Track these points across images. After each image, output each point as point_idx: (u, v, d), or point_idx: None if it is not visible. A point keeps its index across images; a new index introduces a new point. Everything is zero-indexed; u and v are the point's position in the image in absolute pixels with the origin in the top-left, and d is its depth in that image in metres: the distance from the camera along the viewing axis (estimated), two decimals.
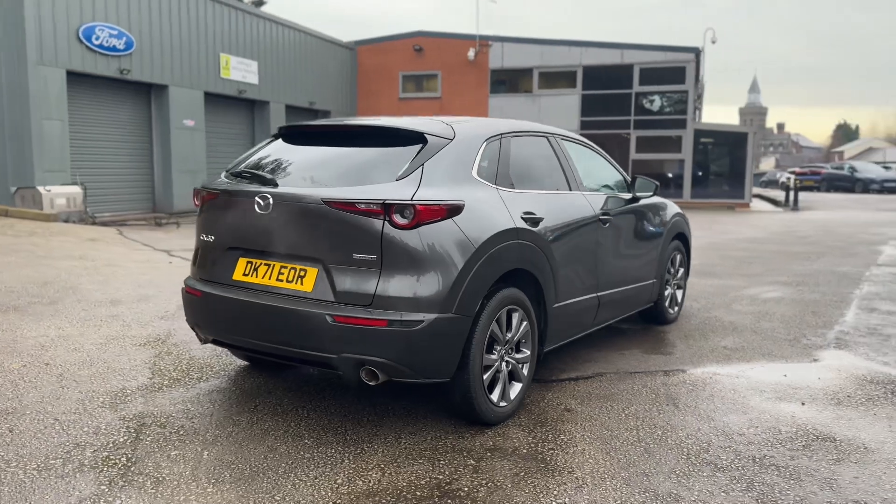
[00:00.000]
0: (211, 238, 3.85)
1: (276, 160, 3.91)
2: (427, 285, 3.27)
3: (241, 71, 20.32)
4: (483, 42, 25.39)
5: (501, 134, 4.05)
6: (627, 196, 5.14)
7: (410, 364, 3.29)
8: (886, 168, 35.57)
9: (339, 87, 25.52)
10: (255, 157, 4.03)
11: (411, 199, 3.28)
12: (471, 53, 25.35)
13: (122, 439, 3.45)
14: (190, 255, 9.47)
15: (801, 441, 3.48)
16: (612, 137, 23.94)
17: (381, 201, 3.27)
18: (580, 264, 4.37)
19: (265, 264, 3.60)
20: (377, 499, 2.90)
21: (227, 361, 4.72)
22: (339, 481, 3.06)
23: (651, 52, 23.54)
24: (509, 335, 3.74)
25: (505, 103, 25.13)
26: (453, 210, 3.37)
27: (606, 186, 5.12)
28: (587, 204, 4.54)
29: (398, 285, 3.26)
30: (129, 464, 3.19)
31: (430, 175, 3.46)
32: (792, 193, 22.60)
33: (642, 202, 5.31)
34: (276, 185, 3.61)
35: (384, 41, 26.60)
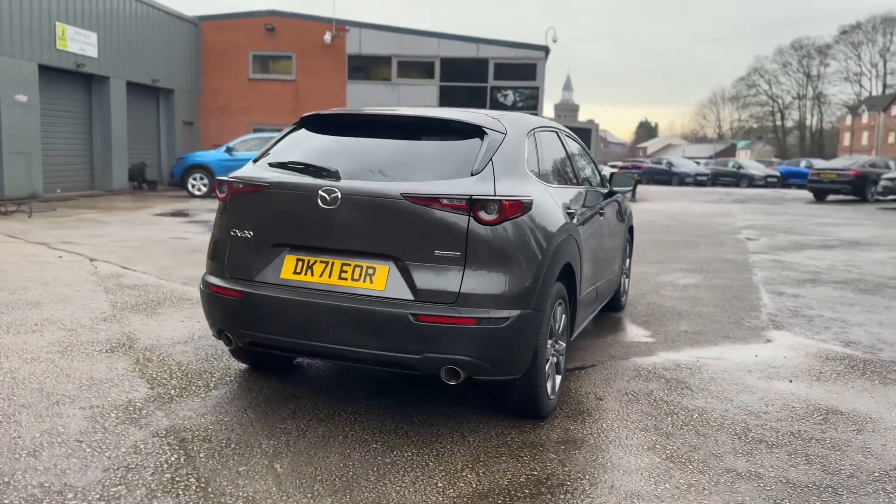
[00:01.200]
0: (248, 234, 3.55)
1: (319, 151, 3.68)
2: (511, 282, 3.25)
3: (78, 42, 18.44)
4: (340, 26, 24.96)
5: (534, 128, 4.09)
6: (605, 190, 5.38)
7: (495, 361, 3.26)
8: (697, 163, 39.60)
9: (184, 65, 23.92)
10: (289, 147, 3.76)
11: (495, 195, 3.24)
12: (327, 37, 24.82)
13: (173, 458, 3.11)
14: (77, 248, 8.61)
15: (817, 416, 3.88)
16: None
17: (468, 196, 3.21)
18: (592, 256, 4.53)
19: (322, 262, 3.39)
20: (490, 499, 2.87)
21: (223, 366, 4.37)
22: (439, 485, 2.98)
23: (504, 48, 24.40)
24: (558, 328, 3.81)
25: (364, 90, 24.91)
26: (528, 206, 3.38)
27: (587, 181, 5.32)
28: (590, 197, 4.71)
29: (483, 282, 3.21)
30: (204, 484, 2.90)
31: (500, 170, 3.43)
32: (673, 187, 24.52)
33: (616, 195, 5.59)
34: (338, 178, 3.40)
35: (232, 18, 25.30)
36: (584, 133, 24.64)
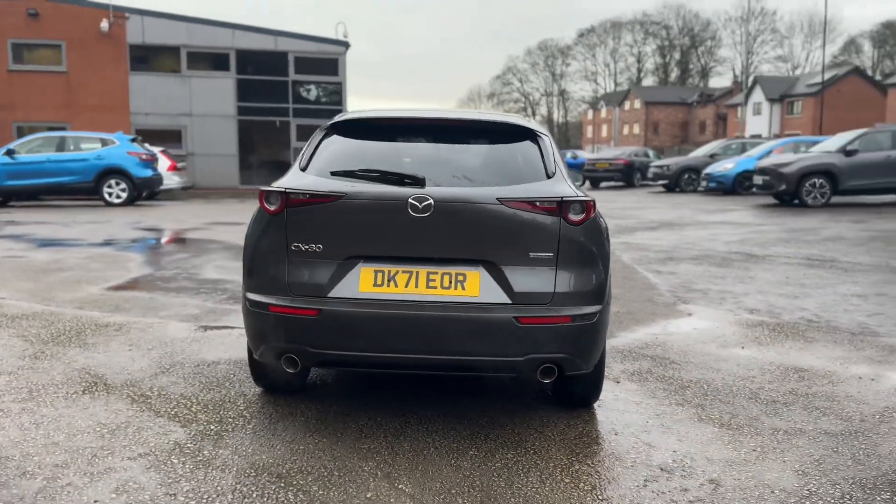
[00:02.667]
0: (316, 247, 3.32)
1: (377, 157, 3.53)
2: (594, 278, 3.42)
3: None
4: (118, 13, 22.78)
5: None
6: None
7: (584, 356, 3.42)
8: None
9: None
10: (337, 154, 3.56)
11: (577, 196, 3.38)
12: (104, 25, 22.53)
13: (291, 495, 2.87)
14: None
15: (793, 375, 4.52)
16: (269, 125, 23.78)
17: (559, 198, 3.32)
18: None
19: (405, 272, 3.29)
20: (619, 483, 3.04)
21: (236, 393, 4.02)
22: (564, 480, 3.09)
23: (304, 42, 23.93)
24: None
25: (150, 83, 23.01)
26: (595, 205, 3.56)
27: None
28: None
29: (572, 281, 3.35)
30: None
31: (564, 172, 3.58)
32: None
33: None
34: (423, 185, 3.31)
35: None
36: None
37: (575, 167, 37.11)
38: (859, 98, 54.16)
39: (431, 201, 3.24)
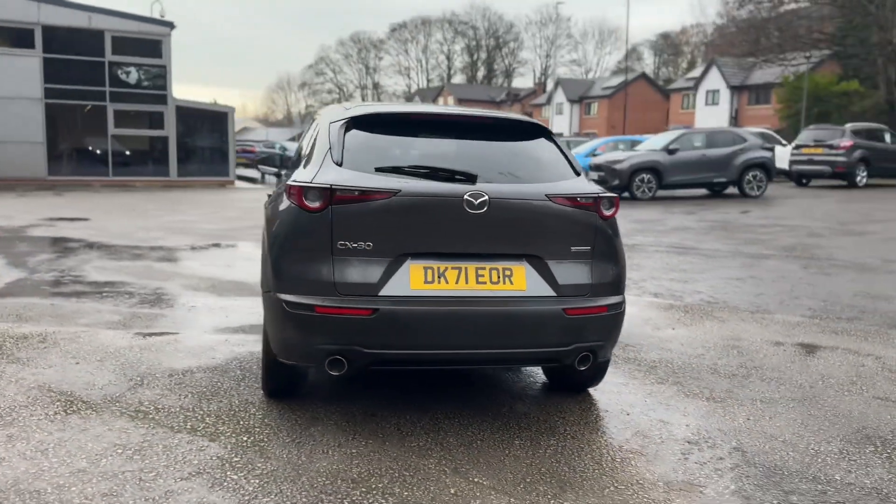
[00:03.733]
0: (366, 245, 3.24)
1: (415, 152, 3.51)
2: (618, 270, 3.66)
3: None
4: None
5: None
6: None
7: (613, 343, 3.65)
8: None
9: None
10: (366, 149, 3.49)
11: (606, 192, 3.60)
12: None
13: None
14: None
15: (735, 350, 5.08)
16: (83, 109, 21.66)
17: (596, 195, 3.51)
18: None
19: (454, 268, 3.32)
20: (678, 447, 3.32)
21: (246, 400, 3.77)
22: (616, 460, 3.30)
23: (123, 21, 22.01)
24: None
25: None
26: None
27: None
28: None
29: (604, 273, 3.56)
30: None
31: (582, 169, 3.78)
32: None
33: None
34: (473, 182, 3.34)
35: None
36: (221, 118, 23.74)
37: None
38: (646, 100, 59.92)
39: (487, 198, 3.29)
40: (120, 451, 3.11)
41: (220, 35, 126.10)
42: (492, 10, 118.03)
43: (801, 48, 44.02)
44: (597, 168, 17.02)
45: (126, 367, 4.26)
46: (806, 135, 20.23)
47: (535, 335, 3.36)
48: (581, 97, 63.44)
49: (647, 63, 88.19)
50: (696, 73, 54.63)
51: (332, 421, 3.57)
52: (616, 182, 16.35)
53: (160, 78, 22.70)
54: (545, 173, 3.59)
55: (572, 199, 3.46)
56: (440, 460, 3.19)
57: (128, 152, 22.56)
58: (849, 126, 19.91)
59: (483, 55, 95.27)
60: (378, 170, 3.39)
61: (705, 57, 77.65)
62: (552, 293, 3.41)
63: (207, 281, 6.97)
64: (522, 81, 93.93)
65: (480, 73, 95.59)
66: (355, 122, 3.64)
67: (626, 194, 16.48)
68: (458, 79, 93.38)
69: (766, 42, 58.14)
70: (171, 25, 22.83)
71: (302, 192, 3.29)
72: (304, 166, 3.60)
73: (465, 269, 3.33)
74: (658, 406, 3.97)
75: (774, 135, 24.79)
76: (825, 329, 5.64)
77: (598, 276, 3.53)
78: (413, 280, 3.28)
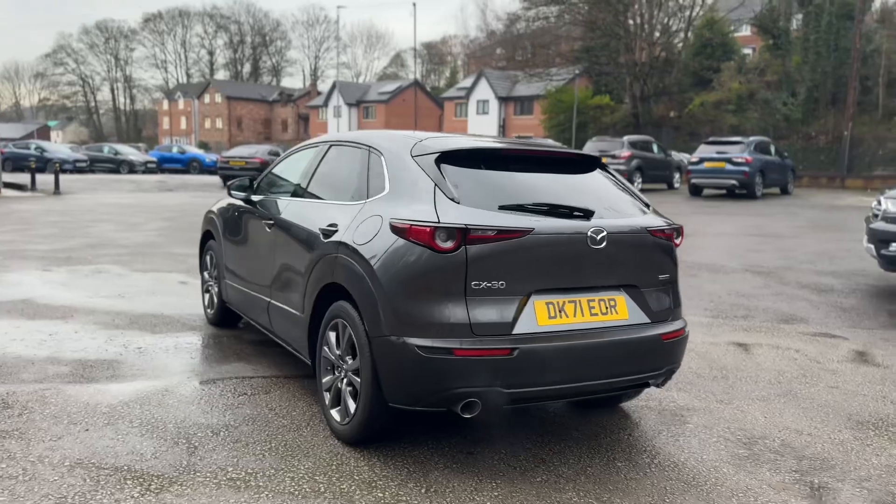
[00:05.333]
0: (499, 284, 3.22)
1: (518, 187, 3.54)
2: (679, 294, 3.97)
3: None
4: None
5: None
6: None
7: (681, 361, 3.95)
8: (72, 148, 36.63)
9: None
10: (476, 185, 3.47)
11: (676, 223, 3.90)
12: None
13: None
14: None
15: (736, 348, 5.69)
16: None
17: (675, 226, 3.80)
18: None
19: (570, 302, 3.43)
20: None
21: (323, 459, 3.50)
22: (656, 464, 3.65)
23: None
24: None
25: None
26: None
27: None
28: None
29: (676, 297, 3.87)
30: None
31: None
32: (52, 177, 21.73)
33: None
34: (589, 218, 3.44)
35: None
36: None
37: (211, 163, 34.77)
38: (420, 107, 62.18)
39: (605, 233, 3.42)
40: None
41: None
42: (256, 6, 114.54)
43: (558, 64, 48.60)
44: None
45: (148, 427, 3.72)
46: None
47: (642, 361, 3.57)
48: (359, 101, 64.15)
49: (412, 70, 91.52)
50: (468, 83, 57.90)
51: (442, 464, 3.47)
52: None
53: None
54: (628, 206, 3.79)
55: (661, 232, 3.71)
56: (577, 491, 3.27)
57: None
58: (626, 138, 22.54)
59: (248, 52, 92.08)
60: (502, 208, 3.37)
61: (467, 67, 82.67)
62: (647, 320, 3.63)
63: (127, 316, 6.16)
64: (292, 81, 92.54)
65: (246, 70, 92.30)
66: (446, 157, 3.57)
67: None
68: (222, 75, 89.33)
69: (523, 56, 63.23)
70: None
71: (433, 232, 3.17)
72: (391, 202, 3.49)
73: (579, 301, 3.44)
74: (697, 408, 4.37)
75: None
76: (736, 328, 6.50)
77: (675, 301, 3.82)
78: (539, 316, 3.32)
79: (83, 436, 3.59)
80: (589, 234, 3.40)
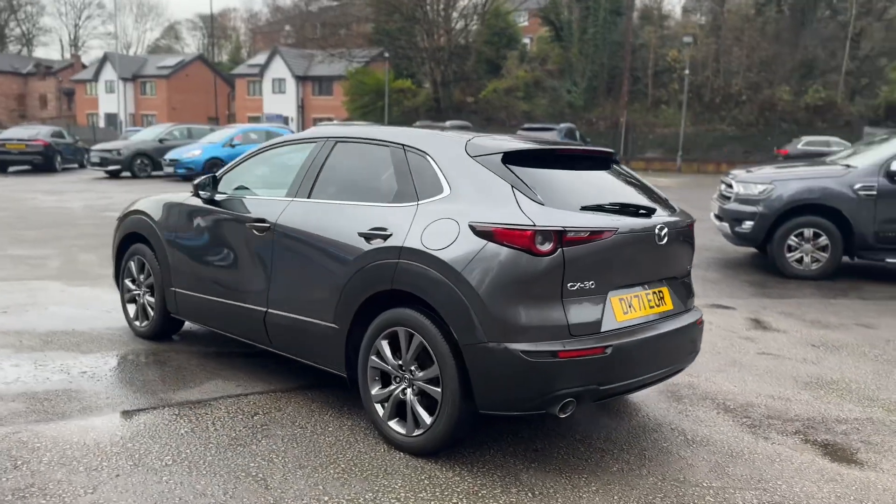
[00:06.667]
0: (590, 284, 3.30)
1: (581, 186, 3.63)
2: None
3: None
4: None
5: None
6: None
7: None
8: None
9: None
10: (548, 184, 3.47)
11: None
12: None
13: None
14: None
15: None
16: None
17: (693, 219, 4.08)
18: None
19: (634, 296, 3.60)
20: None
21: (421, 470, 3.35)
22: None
23: None
24: None
25: None
26: None
27: None
28: None
29: (693, 285, 4.16)
30: None
31: None
32: None
33: None
34: (651, 215, 3.60)
35: None
36: None
37: None
38: (206, 83, 58.61)
39: (668, 229, 3.61)
40: None
41: None
42: None
43: (355, 45, 48.40)
44: None
45: (187, 464, 3.28)
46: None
47: (691, 347, 3.84)
48: (135, 75, 58.88)
49: (188, 43, 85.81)
50: (261, 60, 55.62)
51: (522, 465, 3.47)
52: None
53: None
54: (659, 200, 3.99)
55: (692, 224, 3.98)
56: (655, 475, 3.45)
57: None
58: (449, 124, 23.13)
59: None
60: (583, 208, 3.42)
61: (253, 44, 79.28)
62: (683, 308, 3.89)
63: (34, 336, 5.25)
64: (47, 52, 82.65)
65: None
66: (509, 158, 3.54)
67: None
68: None
69: (313, 35, 62.19)
70: None
71: (533, 236, 3.14)
72: (460, 203, 3.41)
73: (640, 295, 3.61)
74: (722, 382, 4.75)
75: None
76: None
77: (692, 290, 4.11)
78: (617, 312, 3.44)
79: (122, 482, 3.09)
80: (655, 230, 3.58)
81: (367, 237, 3.64)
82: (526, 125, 23.47)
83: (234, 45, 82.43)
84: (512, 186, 3.39)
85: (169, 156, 19.97)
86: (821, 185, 8.52)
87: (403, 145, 3.80)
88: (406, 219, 3.54)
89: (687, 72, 32.49)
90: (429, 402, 3.45)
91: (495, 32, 43.95)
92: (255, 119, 50.82)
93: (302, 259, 4.00)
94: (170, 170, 19.76)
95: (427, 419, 3.43)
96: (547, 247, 3.18)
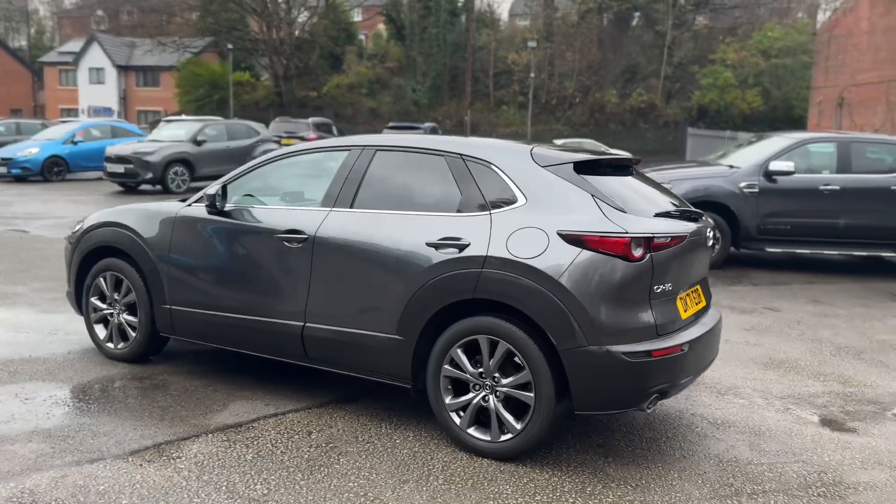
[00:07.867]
0: (669, 287, 3.55)
1: (634, 194, 3.83)
2: None
3: None
4: None
5: None
6: None
7: None
8: None
9: None
10: (618, 192, 3.68)
11: None
12: None
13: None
14: None
15: None
16: None
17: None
18: None
19: (688, 296, 3.89)
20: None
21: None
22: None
23: None
24: None
25: None
26: None
27: None
28: None
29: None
30: None
31: None
32: None
33: None
34: (698, 219, 3.88)
35: None
36: None
37: None
38: (6, 72, 52.66)
39: (712, 233, 3.93)
40: None
41: None
42: None
43: (179, 33, 45.71)
44: (120, 160, 15.40)
45: (292, 493, 3.11)
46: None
47: (719, 341, 4.18)
48: None
49: None
50: (74, 47, 50.81)
51: (600, 462, 3.64)
52: (149, 175, 15.22)
53: None
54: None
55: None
56: (713, 464, 3.77)
57: None
58: (311, 120, 22.72)
59: None
60: (657, 214, 3.63)
61: (59, 29, 72.24)
62: (708, 305, 4.24)
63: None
64: None
65: None
66: (578, 168, 3.68)
67: (158, 187, 15.51)
68: None
69: (130, 21, 58.09)
70: None
71: (629, 243, 3.32)
72: (541, 212, 3.52)
73: (690, 294, 3.90)
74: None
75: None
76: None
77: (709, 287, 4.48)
78: (681, 311, 3.70)
79: None
80: (707, 233, 3.89)
81: (437, 246, 3.62)
82: (391, 123, 23.59)
83: (37, 30, 74.70)
84: (592, 195, 3.54)
85: (3, 154, 17.79)
86: (712, 183, 9.45)
87: (462, 155, 3.81)
88: (482, 228, 3.57)
89: (532, 74, 34.14)
90: (513, 407, 3.52)
91: (337, 27, 43.50)
92: (71, 112, 46.48)
93: (350, 271, 3.88)
94: (2, 170, 17.63)
95: (516, 424, 3.49)
96: (639, 252, 3.38)
